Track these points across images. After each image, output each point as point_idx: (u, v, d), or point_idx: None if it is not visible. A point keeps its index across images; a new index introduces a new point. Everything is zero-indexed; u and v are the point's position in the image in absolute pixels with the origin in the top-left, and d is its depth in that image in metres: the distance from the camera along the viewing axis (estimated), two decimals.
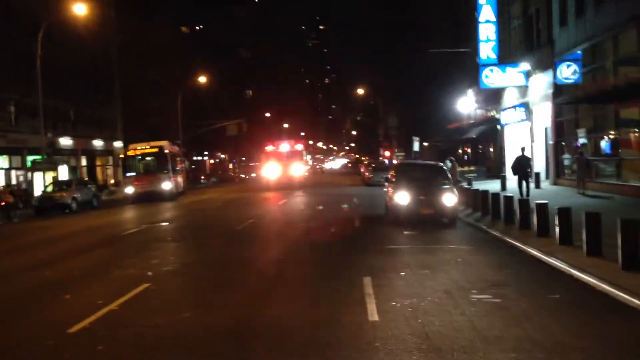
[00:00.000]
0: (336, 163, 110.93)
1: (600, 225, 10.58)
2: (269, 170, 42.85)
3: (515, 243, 12.88)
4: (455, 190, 17.60)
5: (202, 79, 52.99)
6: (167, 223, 21.44)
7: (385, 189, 20.19)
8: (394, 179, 19.13)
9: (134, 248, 14.89)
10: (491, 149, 39.99)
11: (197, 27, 76.59)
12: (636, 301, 7.70)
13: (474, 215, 18.41)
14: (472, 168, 37.86)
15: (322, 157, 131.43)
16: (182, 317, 7.83)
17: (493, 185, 26.65)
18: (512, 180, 24.47)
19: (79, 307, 8.45)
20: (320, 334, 6.89)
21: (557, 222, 12.02)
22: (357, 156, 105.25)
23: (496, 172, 32.59)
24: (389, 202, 18.24)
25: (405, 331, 6.85)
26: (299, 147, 46.53)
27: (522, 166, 22.08)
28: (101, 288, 9.81)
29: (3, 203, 25.96)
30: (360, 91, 68.72)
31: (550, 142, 27.86)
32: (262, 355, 6.31)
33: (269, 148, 44.36)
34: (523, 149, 23.26)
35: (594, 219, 10.62)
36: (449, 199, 16.88)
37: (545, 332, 6.70)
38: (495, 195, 17.17)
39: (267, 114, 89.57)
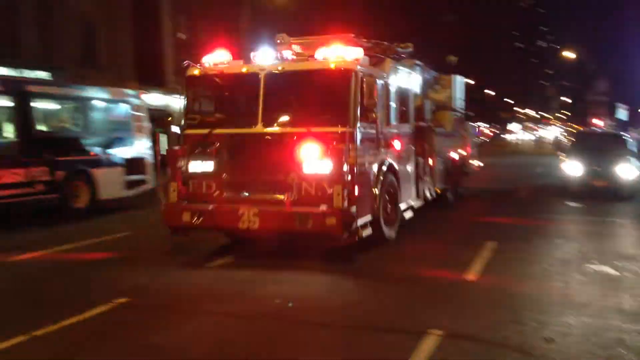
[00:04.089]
0: (547, 132, 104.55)
1: None
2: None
3: None
4: (637, 162, 16.33)
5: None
6: None
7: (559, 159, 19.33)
8: (568, 149, 18.35)
9: None
10: None
11: None
12: None
13: None
14: None
15: (531, 125, 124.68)
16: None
17: None
18: None
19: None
20: (408, 285, 7.48)
21: None
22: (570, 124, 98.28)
23: None
24: (560, 172, 17.54)
25: (490, 290, 7.13)
26: (349, 52, 8.51)
27: None
28: None
29: None
30: (569, 54, 63.78)
31: None
32: (350, 297, 7.04)
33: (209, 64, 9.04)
34: None
35: None
36: (627, 171, 15.79)
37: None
38: None
39: (471, 81, 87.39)
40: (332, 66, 8.39)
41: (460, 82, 15.25)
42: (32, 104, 12.74)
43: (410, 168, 11.02)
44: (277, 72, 8.66)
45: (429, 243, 10.18)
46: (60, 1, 23.92)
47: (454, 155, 14.57)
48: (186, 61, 9.22)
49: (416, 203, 11.25)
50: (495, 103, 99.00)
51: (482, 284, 7.45)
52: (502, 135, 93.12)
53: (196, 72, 9.04)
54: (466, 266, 8.18)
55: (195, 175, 8.77)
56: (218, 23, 29.73)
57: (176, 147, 9.02)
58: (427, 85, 12.90)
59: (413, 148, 11.24)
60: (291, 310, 6.49)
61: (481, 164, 18.03)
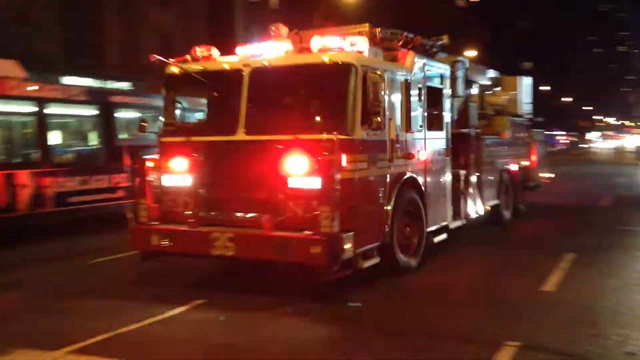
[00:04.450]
0: (629, 141, 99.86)
1: None
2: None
3: None
4: None
5: (473, 53, 52.02)
6: None
7: None
8: None
9: None
10: None
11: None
12: None
13: None
14: None
15: (611, 133, 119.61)
16: None
17: None
18: None
19: None
20: (475, 293, 7.39)
21: None
22: None
23: None
24: None
25: (569, 303, 6.92)
26: (351, 43, 7.20)
27: None
28: None
29: None
30: None
31: None
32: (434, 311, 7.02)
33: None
34: None
35: None
36: None
37: None
38: None
39: (546, 87, 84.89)
40: (327, 59, 6.96)
41: (527, 85, 13.83)
42: (115, 114, 13.37)
43: (444, 182, 9.37)
44: (263, 68, 7.30)
45: (464, 271, 8.82)
46: (140, 15, 24.99)
47: (513, 166, 12.76)
48: (153, 56, 7.78)
49: (454, 223, 9.71)
50: (573, 110, 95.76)
51: (560, 296, 7.23)
52: (580, 144, 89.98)
53: (175, 70, 7.87)
54: (541, 277, 7.97)
55: (168, 191, 7.63)
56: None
57: (147, 157, 7.87)
58: (478, 87, 11.75)
59: (449, 159, 9.49)
60: (359, 315, 6.53)
61: (552, 176, 16.11)
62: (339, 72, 6.95)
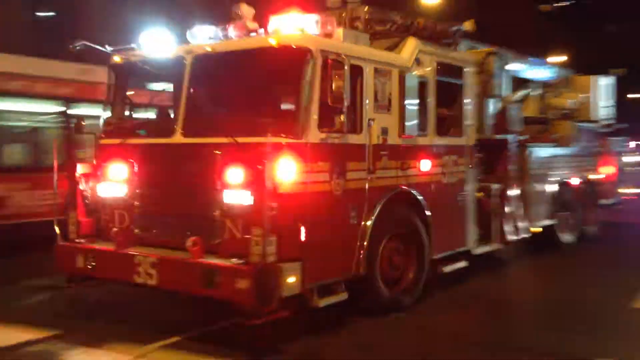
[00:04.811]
0: None
1: None
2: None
3: None
4: None
5: (559, 59, 49.97)
6: None
7: None
8: None
9: None
10: None
11: (559, 4, 73.00)
12: None
13: None
14: None
15: None
16: None
17: None
18: None
19: None
20: (560, 308, 7.11)
21: None
22: None
23: None
24: None
25: None
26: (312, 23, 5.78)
27: None
28: None
29: None
30: None
31: None
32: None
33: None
34: None
35: None
36: None
37: None
38: None
39: (637, 95, 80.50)
40: (274, 43, 5.59)
41: (604, 86, 11.74)
42: None
43: (463, 198, 7.78)
44: (206, 55, 6.07)
45: (542, 286, 8.30)
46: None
47: (575, 180, 10.75)
48: (79, 43, 6.81)
49: (482, 248, 8.09)
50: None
51: None
52: None
53: (118, 59, 6.77)
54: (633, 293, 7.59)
55: (103, 203, 6.49)
56: None
57: (80, 163, 6.69)
58: (538, 87, 10.71)
59: (473, 170, 7.98)
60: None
61: (638, 192, 13.68)
62: (292, 58, 5.58)
